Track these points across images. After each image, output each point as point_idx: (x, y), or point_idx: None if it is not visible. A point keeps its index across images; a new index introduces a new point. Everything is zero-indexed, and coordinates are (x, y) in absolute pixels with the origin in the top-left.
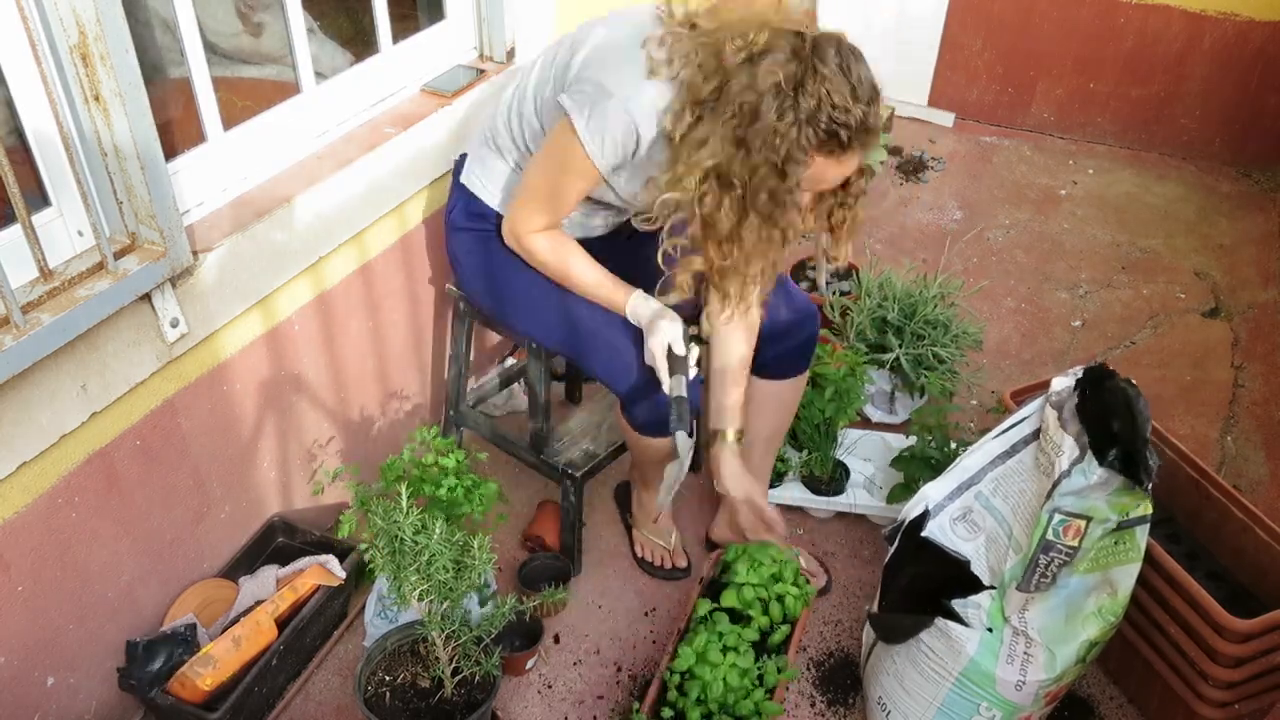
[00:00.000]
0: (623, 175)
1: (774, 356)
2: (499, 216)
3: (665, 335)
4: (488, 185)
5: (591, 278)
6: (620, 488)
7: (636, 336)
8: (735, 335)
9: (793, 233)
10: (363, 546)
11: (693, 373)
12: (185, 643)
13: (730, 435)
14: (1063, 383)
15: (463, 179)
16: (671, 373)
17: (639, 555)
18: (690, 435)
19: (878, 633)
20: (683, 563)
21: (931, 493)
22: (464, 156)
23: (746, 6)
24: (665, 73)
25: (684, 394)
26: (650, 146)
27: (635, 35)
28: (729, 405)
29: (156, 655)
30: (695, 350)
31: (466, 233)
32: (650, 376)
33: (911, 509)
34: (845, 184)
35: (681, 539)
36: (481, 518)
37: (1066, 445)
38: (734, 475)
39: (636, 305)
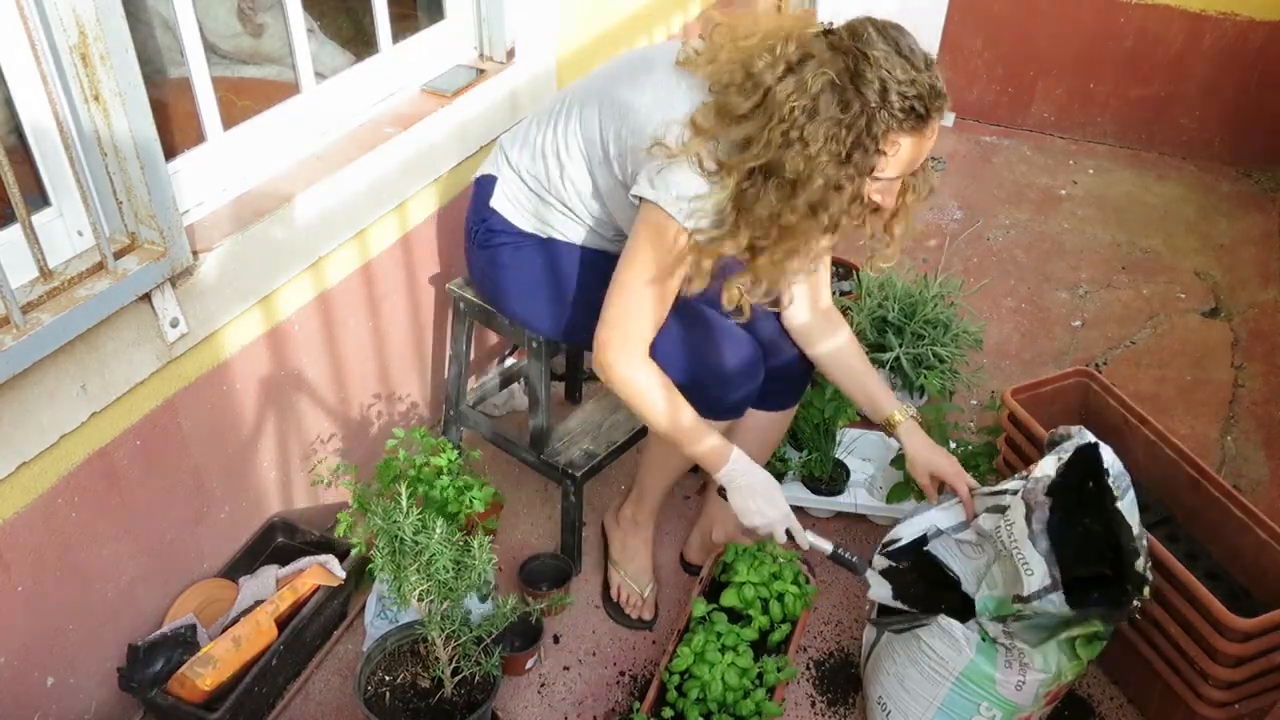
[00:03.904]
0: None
1: (768, 388)
2: (520, 232)
3: (785, 519)
4: (518, 213)
5: (696, 424)
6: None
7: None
8: (823, 330)
9: (843, 220)
10: (355, 545)
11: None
12: (186, 644)
13: (897, 416)
14: (1048, 466)
15: (493, 203)
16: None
17: (612, 597)
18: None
19: (881, 623)
20: (649, 615)
21: (939, 519)
22: (491, 179)
23: (751, 22)
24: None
25: (829, 546)
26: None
27: (675, 88)
28: (871, 392)
29: (157, 657)
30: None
31: (491, 249)
32: (729, 356)
33: (909, 530)
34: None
35: (658, 592)
36: (471, 515)
37: (1037, 567)
38: (920, 452)
39: (744, 464)
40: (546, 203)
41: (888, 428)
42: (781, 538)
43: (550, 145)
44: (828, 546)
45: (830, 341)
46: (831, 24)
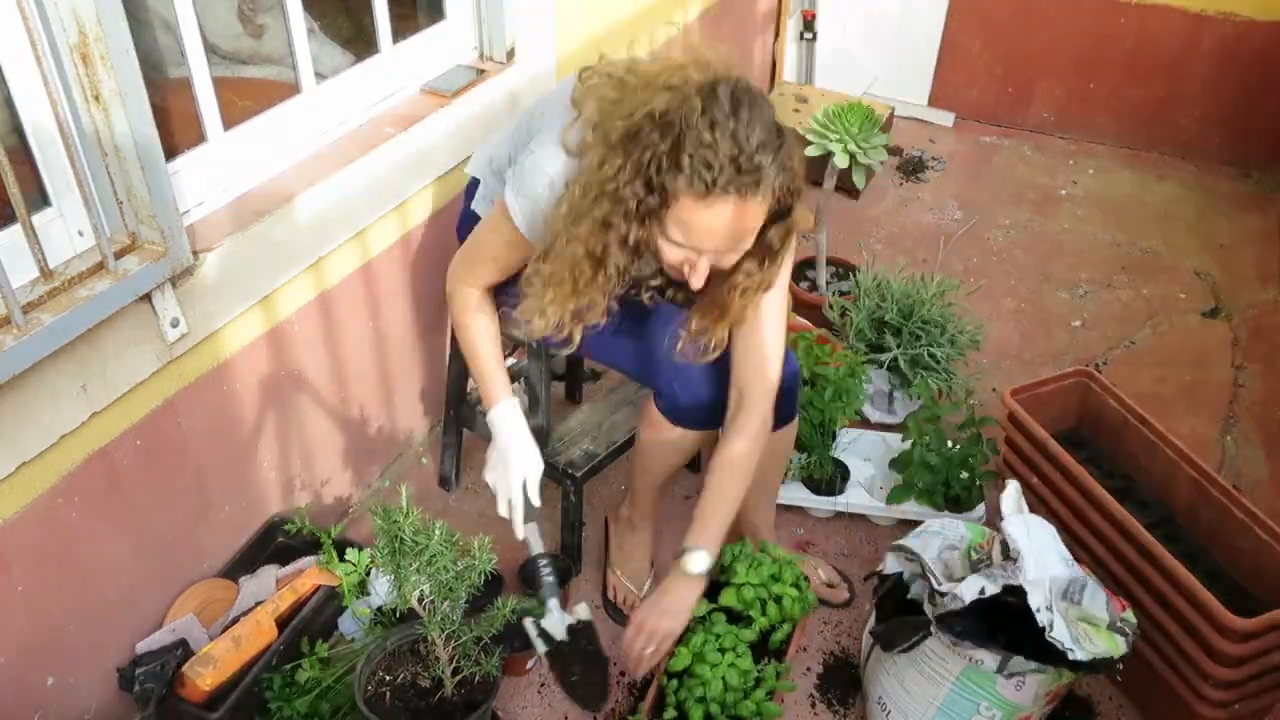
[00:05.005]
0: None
1: None
2: None
3: (524, 473)
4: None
5: (481, 352)
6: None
7: (655, 330)
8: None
9: (612, 268)
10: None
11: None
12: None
13: (685, 560)
14: (967, 591)
15: (474, 206)
16: (526, 518)
17: (609, 598)
18: (555, 601)
19: (880, 644)
20: None
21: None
22: (475, 181)
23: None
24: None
25: (541, 549)
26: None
27: (563, 102)
28: (699, 515)
29: (151, 678)
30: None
31: None
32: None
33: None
34: (737, 266)
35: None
36: None
37: (985, 657)
38: (652, 599)
39: (502, 414)
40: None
41: (678, 555)
42: (503, 511)
43: (503, 156)
44: (538, 548)
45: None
46: (728, 78)
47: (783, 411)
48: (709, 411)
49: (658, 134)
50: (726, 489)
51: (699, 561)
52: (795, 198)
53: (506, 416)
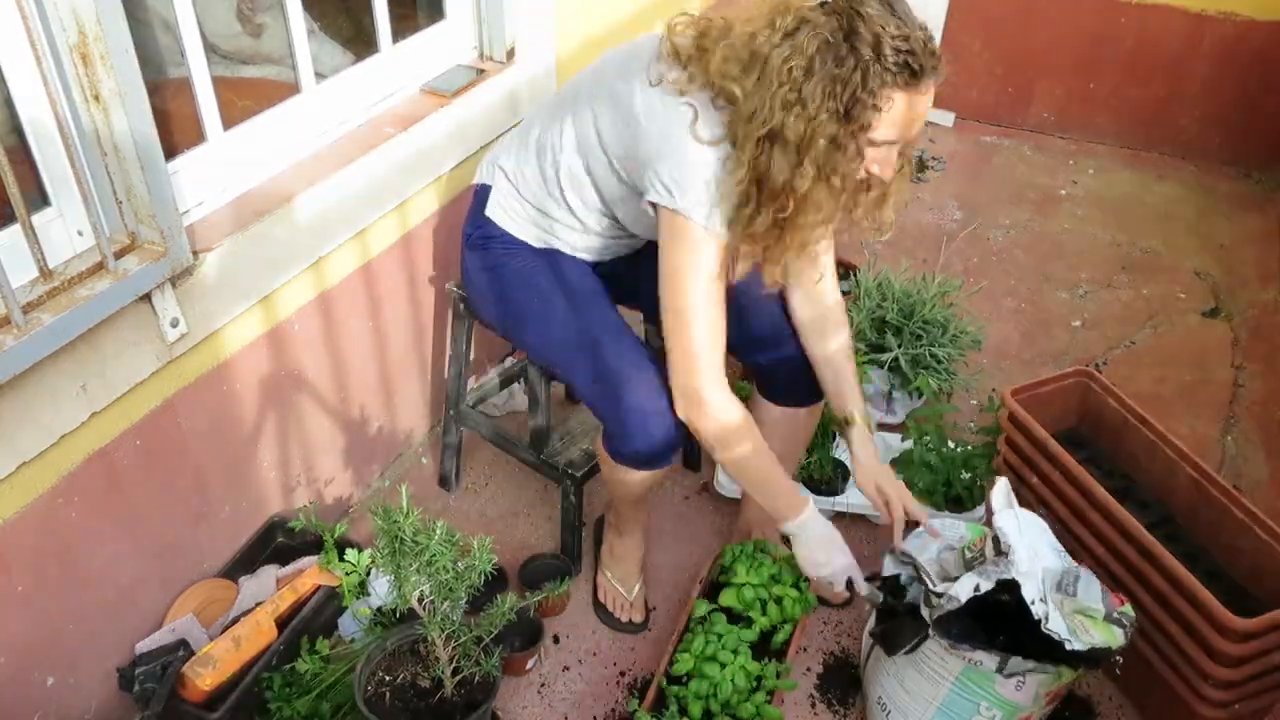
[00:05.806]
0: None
1: (775, 383)
2: (516, 241)
3: (849, 568)
4: (514, 223)
5: (775, 469)
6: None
7: (635, 359)
8: (822, 331)
9: (850, 182)
10: None
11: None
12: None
13: (855, 417)
14: (961, 590)
15: (489, 212)
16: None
17: (599, 599)
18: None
19: (881, 646)
20: (639, 618)
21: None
22: (487, 188)
23: (751, 6)
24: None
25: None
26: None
27: (667, 96)
28: (843, 388)
29: (151, 678)
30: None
31: (480, 251)
32: (637, 405)
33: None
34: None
35: (645, 592)
36: None
37: (983, 658)
38: (869, 461)
39: (816, 515)
40: (545, 211)
41: (840, 425)
42: (841, 587)
43: (545, 145)
44: (879, 597)
45: (829, 342)
46: None
47: (802, 394)
48: (665, 450)
49: (845, 49)
50: (845, 370)
51: (864, 417)
52: None
53: (819, 515)
